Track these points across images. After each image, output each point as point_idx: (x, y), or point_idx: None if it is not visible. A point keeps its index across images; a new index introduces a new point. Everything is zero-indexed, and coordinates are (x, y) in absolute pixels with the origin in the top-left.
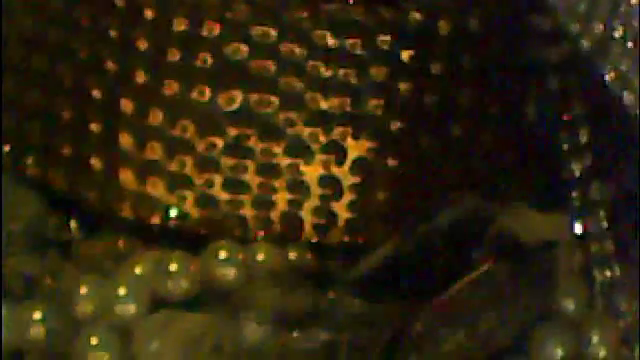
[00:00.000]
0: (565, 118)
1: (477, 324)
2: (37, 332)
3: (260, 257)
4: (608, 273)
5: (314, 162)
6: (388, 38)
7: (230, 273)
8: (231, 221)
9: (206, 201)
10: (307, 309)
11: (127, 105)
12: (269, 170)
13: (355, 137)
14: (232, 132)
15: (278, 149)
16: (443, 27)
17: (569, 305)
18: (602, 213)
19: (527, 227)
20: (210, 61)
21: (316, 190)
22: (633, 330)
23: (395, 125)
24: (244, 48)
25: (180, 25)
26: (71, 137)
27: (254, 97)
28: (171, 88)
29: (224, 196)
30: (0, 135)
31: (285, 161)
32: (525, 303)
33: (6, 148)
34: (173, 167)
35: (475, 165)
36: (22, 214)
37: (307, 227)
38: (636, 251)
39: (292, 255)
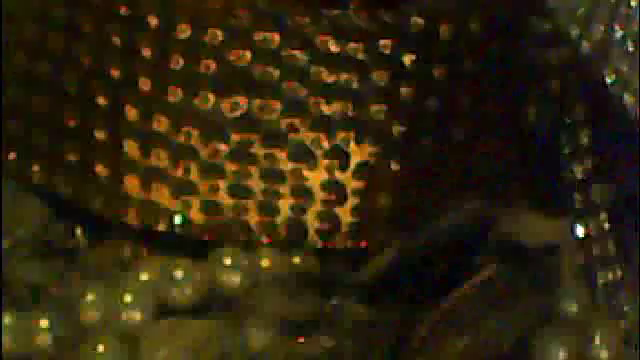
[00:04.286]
0: (566, 120)
1: (480, 328)
2: (43, 340)
3: (265, 263)
4: (610, 274)
5: (317, 167)
6: (390, 42)
7: (235, 279)
8: (236, 227)
9: (211, 207)
10: (311, 315)
11: (132, 112)
12: (273, 175)
13: (358, 142)
14: (236, 138)
15: (281, 154)
16: (444, 31)
17: (571, 307)
18: (603, 215)
19: (529, 230)
20: (213, 67)
21: (320, 195)
22: (635, 331)
23: (398, 129)
24: (247, 54)
25: (183, 32)
26: (76, 144)
27: (257, 103)
28: (175, 95)
29: (229, 202)
30: (0, 142)
31: (289, 166)
32: (527, 306)
33: (12, 155)
34: (178, 173)
35: (477, 168)
36: (27, 221)
37: (311, 232)
38: (637, 252)
39: (296, 261)
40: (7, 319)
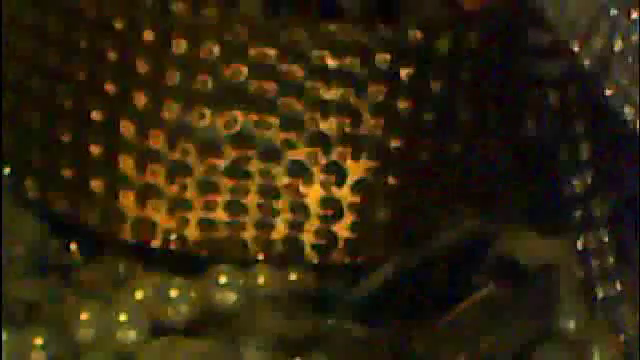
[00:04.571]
0: (565, 134)
1: (477, 346)
2: (38, 358)
3: (260, 280)
4: (609, 288)
5: (314, 183)
6: (387, 57)
7: (230, 298)
8: (232, 244)
9: (207, 224)
10: (307, 333)
11: (127, 128)
12: (269, 192)
13: (355, 157)
14: (232, 154)
15: (278, 170)
16: (442, 45)
17: (569, 325)
18: (603, 228)
19: (527, 249)
20: (209, 83)
21: (316, 211)
22: (635, 345)
23: (395, 144)
24: (243, 69)
25: (179, 47)
26: (71, 160)
27: (254, 118)
28: (171, 110)
29: (225, 218)
30: (0, 157)
31: (285, 182)
32: (525, 324)
33: (6, 171)
34: (174, 190)
35: (475, 182)
36: (22, 238)
37: (308, 249)
38: (637, 266)
39: (293, 278)
40: (3, 336)
